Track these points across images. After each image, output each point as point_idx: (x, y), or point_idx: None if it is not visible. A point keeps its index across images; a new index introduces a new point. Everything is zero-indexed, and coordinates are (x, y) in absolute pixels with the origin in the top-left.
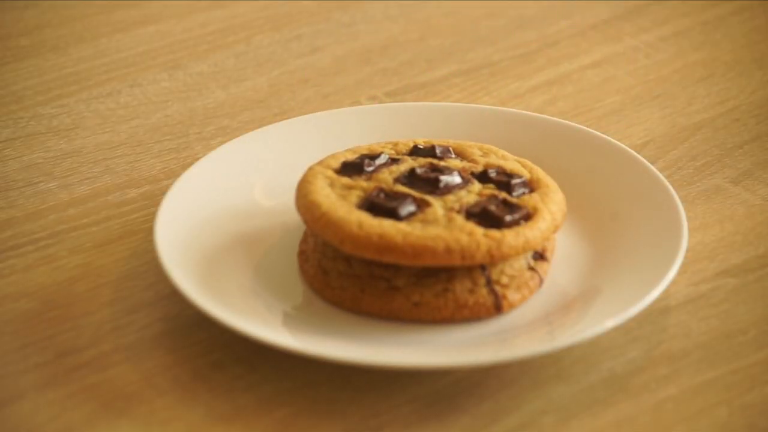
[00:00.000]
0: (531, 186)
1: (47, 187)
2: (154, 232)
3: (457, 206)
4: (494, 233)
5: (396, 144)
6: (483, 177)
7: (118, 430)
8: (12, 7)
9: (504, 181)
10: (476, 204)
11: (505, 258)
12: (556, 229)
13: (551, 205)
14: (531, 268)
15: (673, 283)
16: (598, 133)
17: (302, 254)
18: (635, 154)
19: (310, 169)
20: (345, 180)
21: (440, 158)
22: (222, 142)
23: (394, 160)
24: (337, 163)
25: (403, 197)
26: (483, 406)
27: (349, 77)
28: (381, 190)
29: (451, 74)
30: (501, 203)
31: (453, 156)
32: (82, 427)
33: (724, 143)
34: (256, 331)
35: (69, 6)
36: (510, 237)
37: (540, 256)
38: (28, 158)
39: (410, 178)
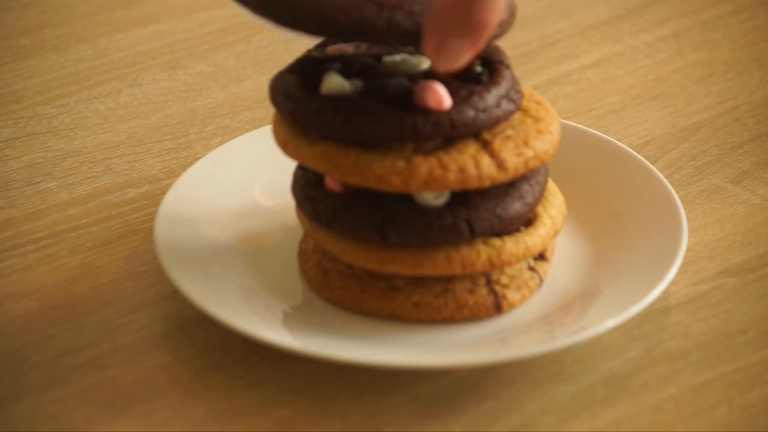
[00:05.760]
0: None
1: (47, 187)
2: (154, 232)
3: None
4: (494, 241)
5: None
6: None
7: (118, 430)
8: (12, 6)
9: None
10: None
11: (505, 265)
12: (556, 233)
13: (551, 209)
14: (531, 268)
15: (673, 283)
16: (598, 133)
17: (302, 254)
18: (635, 154)
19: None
20: None
21: None
22: (222, 142)
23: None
24: None
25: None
26: (483, 406)
27: None
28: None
29: None
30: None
31: None
32: (82, 427)
33: (724, 143)
34: (256, 331)
35: (69, 6)
36: (510, 244)
37: (540, 256)
38: (28, 158)
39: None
